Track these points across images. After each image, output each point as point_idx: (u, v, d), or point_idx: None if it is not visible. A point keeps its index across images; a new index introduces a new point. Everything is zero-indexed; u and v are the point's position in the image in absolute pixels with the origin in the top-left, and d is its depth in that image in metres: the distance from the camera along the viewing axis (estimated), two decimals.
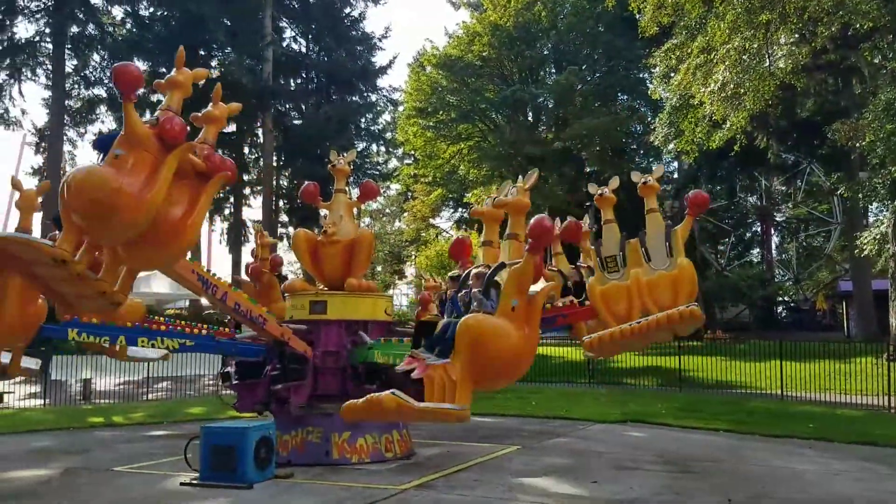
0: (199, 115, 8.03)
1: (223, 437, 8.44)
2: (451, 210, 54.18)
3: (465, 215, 51.81)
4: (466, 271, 8.23)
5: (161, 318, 10.95)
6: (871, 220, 33.47)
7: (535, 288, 7.45)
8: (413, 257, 55.88)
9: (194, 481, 8.39)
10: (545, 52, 41.94)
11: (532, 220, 7.10)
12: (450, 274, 9.29)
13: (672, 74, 25.58)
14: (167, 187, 6.75)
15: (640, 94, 40.24)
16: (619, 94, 41.67)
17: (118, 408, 17.90)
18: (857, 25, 18.93)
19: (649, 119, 37.19)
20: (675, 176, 44.82)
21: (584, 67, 39.96)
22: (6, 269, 7.59)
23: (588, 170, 40.46)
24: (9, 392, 18.96)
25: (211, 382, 21.92)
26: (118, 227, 6.67)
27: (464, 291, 7.95)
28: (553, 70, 42.41)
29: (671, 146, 29.09)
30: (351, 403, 7.16)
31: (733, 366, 20.75)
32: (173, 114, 7.19)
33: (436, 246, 35.35)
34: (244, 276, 13.82)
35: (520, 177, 8.86)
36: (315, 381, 10.06)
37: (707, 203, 9.88)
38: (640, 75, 40.04)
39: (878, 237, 22.80)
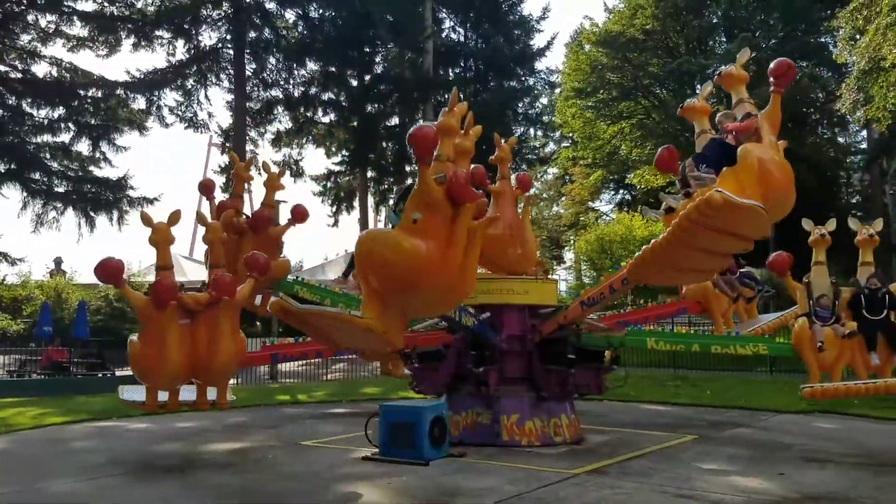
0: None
1: (401, 415, 8.81)
2: (612, 192, 52.80)
3: (627, 197, 50.29)
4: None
5: None
6: None
7: None
8: (572, 242, 55.12)
9: (375, 456, 8.82)
10: (714, 21, 39.67)
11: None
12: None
13: (859, 36, 23.34)
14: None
15: (821, 60, 37.02)
16: (798, 61, 38.54)
17: (301, 387, 19.20)
18: None
19: (833, 86, 34.15)
20: (864, 146, 41.02)
21: (757, 34, 37.36)
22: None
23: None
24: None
25: None
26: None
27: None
28: (723, 39, 40.06)
29: (859, 114, 26.60)
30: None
31: None
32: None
33: (595, 230, 34.47)
34: None
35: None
36: (502, 365, 10.21)
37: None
38: (822, 39, 36.86)
39: None
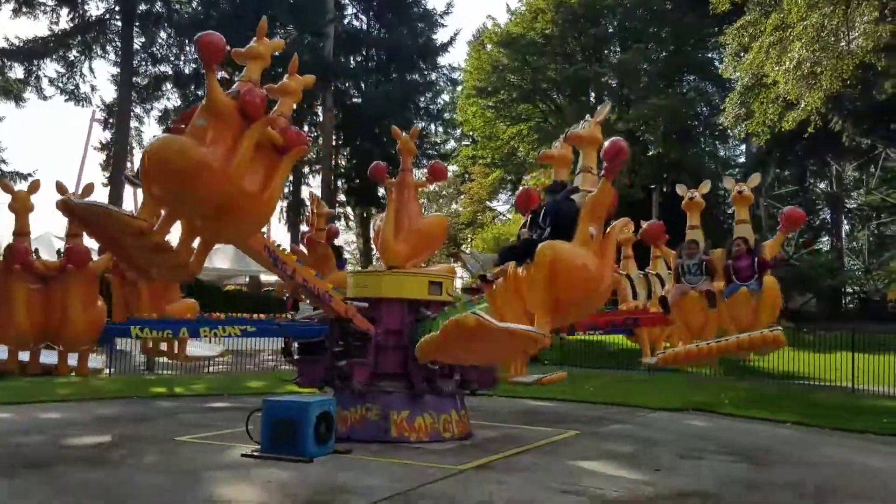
0: (275, 86, 8.01)
1: (285, 411, 8.48)
2: (509, 193, 53.74)
3: None
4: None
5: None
6: None
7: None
8: (469, 240, 55.76)
9: (255, 453, 8.46)
10: (610, 30, 41.08)
11: (607, 143, 6.96)
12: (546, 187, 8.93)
13: (744, 53, 24.71)
14: (248, 159, 6.80)
15: (707, 75, 39.08)
16: (686, 75, 40.53)
17: (180, 379, 18.32)
18: None
19: (717, 100, 36.06)
20: (743, 160, 43.57)
21: (649, 46, 38.98)
22: (95, 235, 7.75)
23: (651, 152, 39.53)
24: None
25: (270, 357, 22.29)
26: (198, 199, 6.74)
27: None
28: (618, 49, 41.54)
29: (740, 128, 28.19)
30: (427, 339, 7.04)
31: (800, 356, 19.98)
32: (254, 85, 7.19)
33: (492, 229, 35.11)
34: (301, 247, 13.68)
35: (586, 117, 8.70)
36: (377, 359, 10.00)
37: (804, 220, 9.97)
38: (709, 55, 38.91)
39: None
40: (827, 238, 46.70)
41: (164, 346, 12.05)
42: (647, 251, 11.88)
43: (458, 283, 48.62)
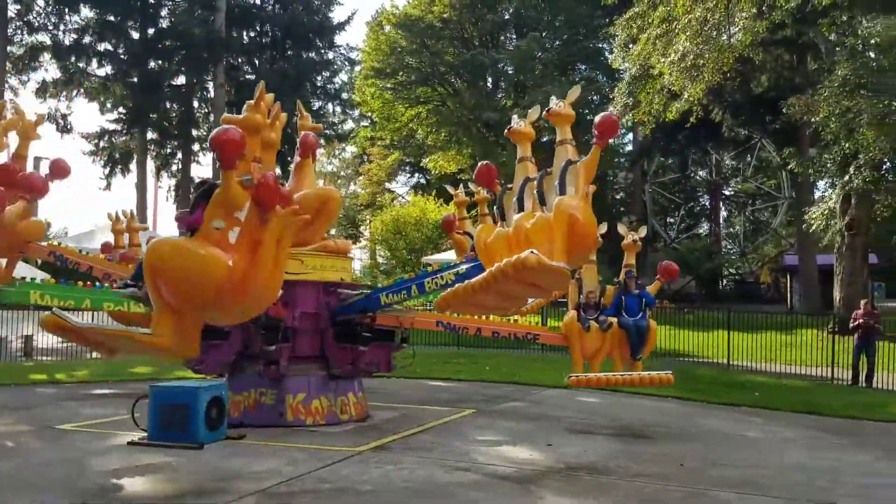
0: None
1: (173, 397, 8.16)
2: (408, 175, 53.73)
3: (422, 180, 51.41)
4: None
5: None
6: (817, 195, 34.29)
7: None
8: (368, 221, 55.45)
9: (142, 440, 8.12)
10: (506, 17, 41.55)
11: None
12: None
13: (632, 44, 25.61)
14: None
15: (598, 65, 40.26)
16: (578, 64, 41.63)
17: (61, 365, 17.35)
18: (816, 1, 19.15)
19: (606, 90, 37.27)
20: (630, 148, 45.27)
21: (544, 34, 39.72)
22: None
23: (545, 139, 40.44)
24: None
25: None
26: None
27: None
28: (514, 36, 42.09)
29: (627, 117, 29.23)
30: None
31: (680, 335, 21.09)
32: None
33: (391, 211, 35.02)
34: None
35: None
36: (293, 343, 9.76)
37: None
38: (599, 45, 40.05)
39: (825, 213, 23.32)
40: (706, 223, 49.40)
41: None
42: None
43: (357, 265, 48.34)
